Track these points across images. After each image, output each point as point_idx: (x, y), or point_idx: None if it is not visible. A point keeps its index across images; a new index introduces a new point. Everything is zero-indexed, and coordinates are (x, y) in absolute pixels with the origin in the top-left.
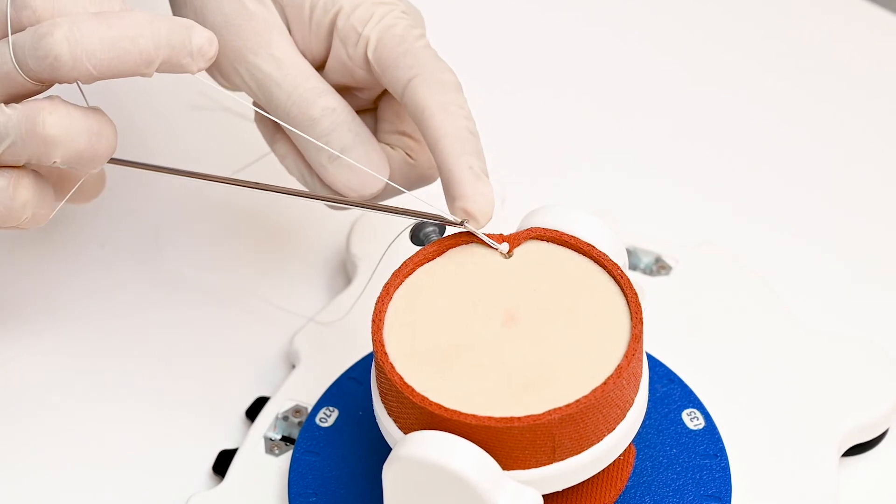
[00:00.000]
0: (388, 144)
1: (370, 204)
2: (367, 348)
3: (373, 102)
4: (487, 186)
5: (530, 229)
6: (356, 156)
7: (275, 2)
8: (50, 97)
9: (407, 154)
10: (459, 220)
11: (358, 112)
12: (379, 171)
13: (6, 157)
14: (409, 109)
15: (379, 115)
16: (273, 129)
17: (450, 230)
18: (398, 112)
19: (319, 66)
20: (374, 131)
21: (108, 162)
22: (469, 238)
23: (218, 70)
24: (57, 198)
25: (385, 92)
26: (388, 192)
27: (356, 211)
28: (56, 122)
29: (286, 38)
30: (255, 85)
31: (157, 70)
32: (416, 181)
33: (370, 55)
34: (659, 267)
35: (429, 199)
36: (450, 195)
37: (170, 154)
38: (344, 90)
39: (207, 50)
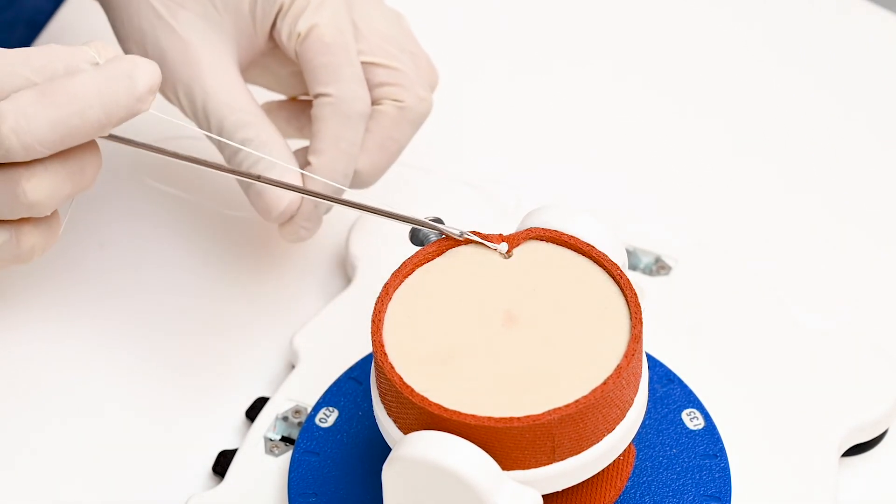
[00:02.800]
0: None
1: (368, 207)
2: (367, 348)
3: None
4: (310, 229)
5: (530, 229)
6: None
7: (219, 9)
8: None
9: (395, 101)
10: (458, 232)
11: None
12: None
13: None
14: (312, 118)
15: None
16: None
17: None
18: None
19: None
20: None
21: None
22: (468, 238)
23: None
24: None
25: None
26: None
27: (355, 211)
28: (35, 187)
29: (217, 64)
30: (191, 112)
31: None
32: (414, 123)
33: (296, 54)
34: (658, 267)
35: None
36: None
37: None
38: None
39: (154, 85)
